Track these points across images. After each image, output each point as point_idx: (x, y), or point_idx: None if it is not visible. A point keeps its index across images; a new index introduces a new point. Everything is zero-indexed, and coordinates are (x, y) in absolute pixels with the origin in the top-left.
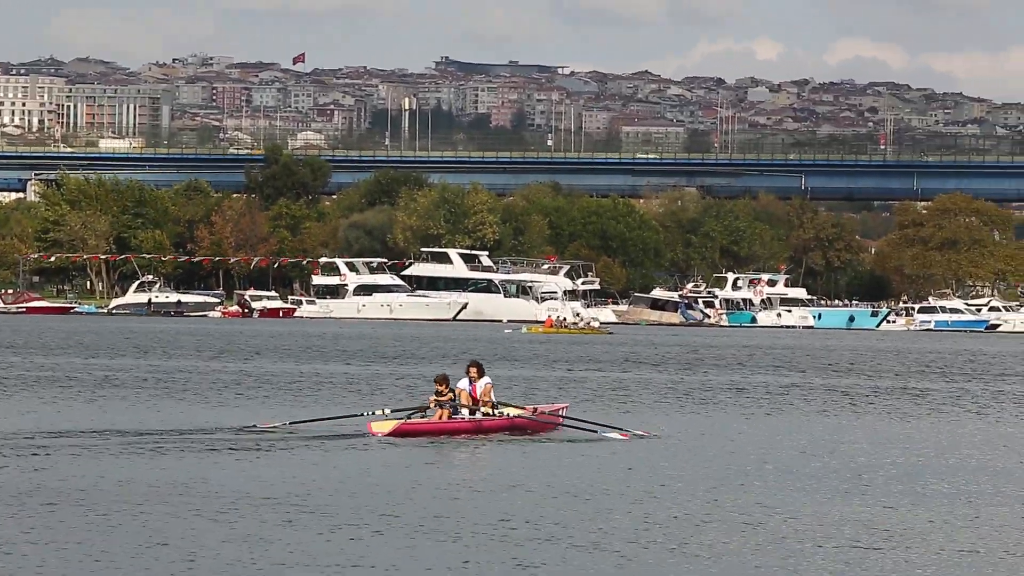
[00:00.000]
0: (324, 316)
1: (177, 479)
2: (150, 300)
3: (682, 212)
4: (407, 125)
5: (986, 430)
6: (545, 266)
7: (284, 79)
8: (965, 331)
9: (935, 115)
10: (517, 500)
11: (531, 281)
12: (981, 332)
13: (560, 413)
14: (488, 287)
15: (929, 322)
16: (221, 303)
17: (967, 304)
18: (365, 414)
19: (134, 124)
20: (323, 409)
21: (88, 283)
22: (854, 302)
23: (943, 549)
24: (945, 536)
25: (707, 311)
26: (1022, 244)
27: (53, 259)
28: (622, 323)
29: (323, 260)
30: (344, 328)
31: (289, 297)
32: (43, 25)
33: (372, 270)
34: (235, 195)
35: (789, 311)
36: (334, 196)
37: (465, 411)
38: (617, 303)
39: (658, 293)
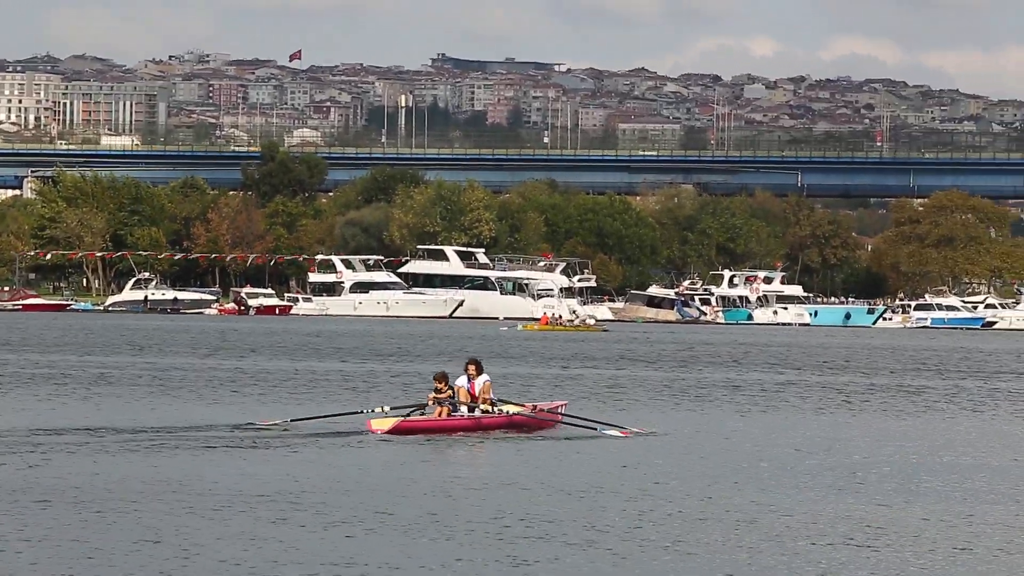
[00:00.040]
0: (320, 313)
1: (172, 476)
2: (146, 297)
3: (678, 209)
4: (403, 122)
5: (981, 427)
6: (541, 263)
7: (280, 76)
8: (961, 328)
9: (931, 112)
10: (512, 497)
11: (527, 278)
12: (977, 329)
13: (559, 411)
14: (484, 284)
15: (925, 319)
16: (217, 300)
17: (963, 301)
18: (365, 411)
19: (130, 121)
20: (319, 407)
21: (84, 280)
22: (850, 299)
23: (938, 546)
24: (940, 534)
25: (703, 308)
26: (1018, 241)
27: (49, 256)
28: (618, 320)
29: (319, 257)
30: (340, 325)
31: (285, 294)
32: (40, 22)
33: (368, 267)
34: (231, 192)
35: (785, 308)
36: (330, 193)
37: (464, 409)
38: (613, 300)
39: (654, 290)
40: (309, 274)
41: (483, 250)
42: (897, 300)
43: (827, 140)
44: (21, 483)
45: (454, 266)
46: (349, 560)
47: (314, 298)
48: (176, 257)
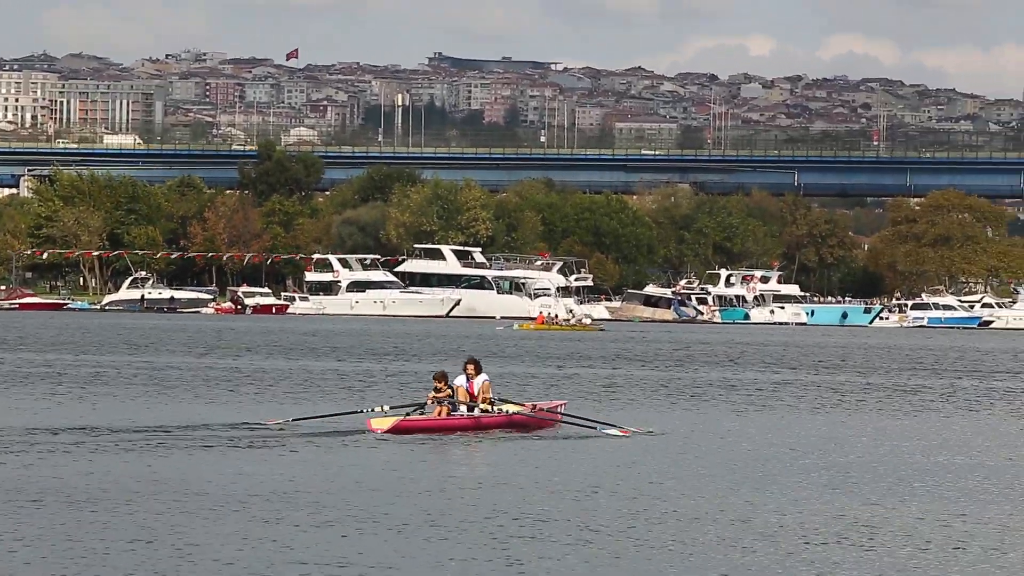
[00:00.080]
0: (317, 312)
1: (168, 476)
2: (143, 296)
3: (675, 208)
4: (400, 121)
5: (977, 427)
6: (538, 262)
7: (277, 75)
8: (958, 328)
9: (928, 111)
10: (508, 497)
11: (524, 277)
12: (974, 329)
13: (558, 410)
14: (481, 284)
15: (922, 319)
16: (214, 299)
17: (960, 301)
18: (364, 411)
19: (127, 120)
20: (315, 406)
21: (81, 279)
22: (847, 299)
23: (932, 545)
24: (935, 533)
25: (700, 308)
26: (1015, 240)
27: (46, 255)
28: (615, 320)
29: (316, 256)
30: (337, 325)
31: (282, 293)
32: (36, 20)
33: (365, 266)
34: (228, 191)
35: (782, 308)
36: (327, 192)
37: (463, 408)
38: (610, 300)
39: (651, 290)
40: (306, 273)
41: (480, 249)
42: (894, 299)
43: (824, 139)
44: (16, 482)
45: (451, 265)
46: (344, 560)
47: (311, 297)
48: (173, 256)
